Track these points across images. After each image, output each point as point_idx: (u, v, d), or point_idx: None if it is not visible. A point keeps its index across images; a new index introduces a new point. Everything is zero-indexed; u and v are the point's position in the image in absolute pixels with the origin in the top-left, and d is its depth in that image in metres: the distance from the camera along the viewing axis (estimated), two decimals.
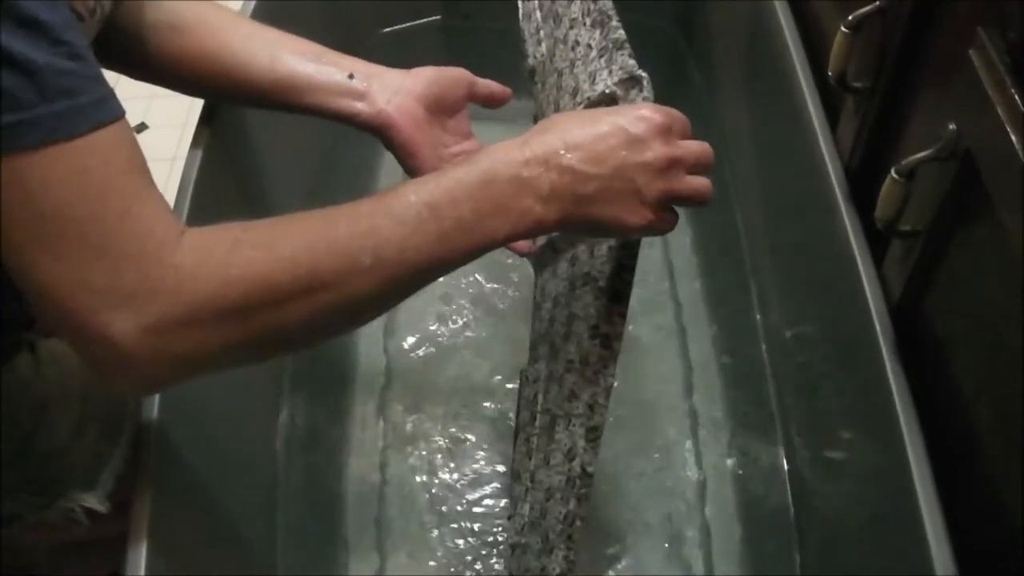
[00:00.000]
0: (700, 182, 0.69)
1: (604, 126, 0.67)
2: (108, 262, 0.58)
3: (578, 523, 0.76)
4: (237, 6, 1.11)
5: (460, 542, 1.16)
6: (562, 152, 0.66)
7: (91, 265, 0.57)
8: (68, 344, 0.61)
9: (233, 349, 0.62)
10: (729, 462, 1.19)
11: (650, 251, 1.42)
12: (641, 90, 0.72)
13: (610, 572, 1.12)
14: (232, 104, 0.97)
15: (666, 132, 0.68)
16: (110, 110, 0.59)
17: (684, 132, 0.70)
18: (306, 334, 0.66)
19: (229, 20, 0.91)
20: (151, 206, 0.60)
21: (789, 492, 1.08)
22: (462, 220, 0.64)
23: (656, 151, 0.67)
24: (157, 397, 0.84)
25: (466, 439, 1.24)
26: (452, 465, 1.22)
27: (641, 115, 0.68)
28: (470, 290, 1.40)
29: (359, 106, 0.89)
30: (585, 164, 0.66)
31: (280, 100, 0.90)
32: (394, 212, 0.64)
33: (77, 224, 0.57)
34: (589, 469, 0.75)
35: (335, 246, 0.62)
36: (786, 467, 1.10)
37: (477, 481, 1.21)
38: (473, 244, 0.65)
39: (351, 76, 0.90)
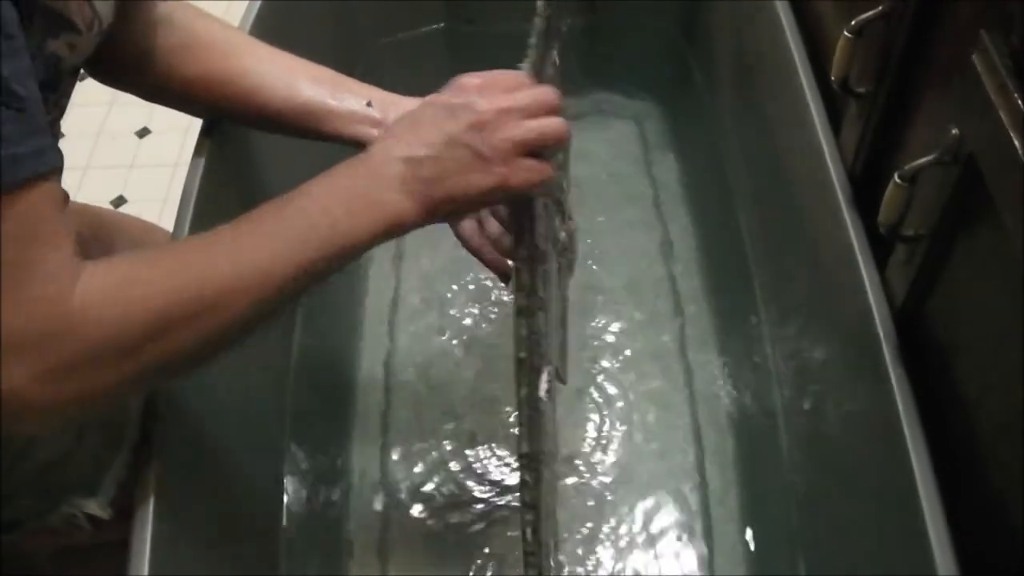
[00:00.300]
0: (545, 121, 0.71)
1: (424, 109, 0.72)
2: (14, 307, 0.57)
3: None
4: (240, 9, 1.11)
5: (464, 549, 1.16)
6: (396, 146, 0.70)
7: (2, 310, 0.57)
8: None
9: (126, 385, 0.64)
10: (733, 470, 1.19)
11: (651, 248, 1.42)
12: None
13: None
14: (242, 126, 0.97)
15: (485, 90, 0.71)
16: (47, 162, 0.59)
17: (511, 86, 0.72)
18: (197, 357, 0.67)
19: (245, 43, 0.92)
20: (62, 253, 0.60)
21: (792, 496, 1.08)
22: (322, 227, 0.68)
23: (478, 109, 0.70)
24: (160, 402, 0.84)
25: (472, 445, 1.25)
26: (457, 469, 1.22)
27: (457, 84, 0.73)
28: (470, 287, 1.41)
29: (376, 133, 0.89)
30: (417, 148, 0.70)
31: (297, 127, 0.90)
32: (265, 229, 0.67)
33: None
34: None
35: (216, 269, 0.65)
36: (790, 473, 1.10)
37: (481, 481, 1.21)
38: (341, 247, 0.69)
39: (368, 104, 0.90)
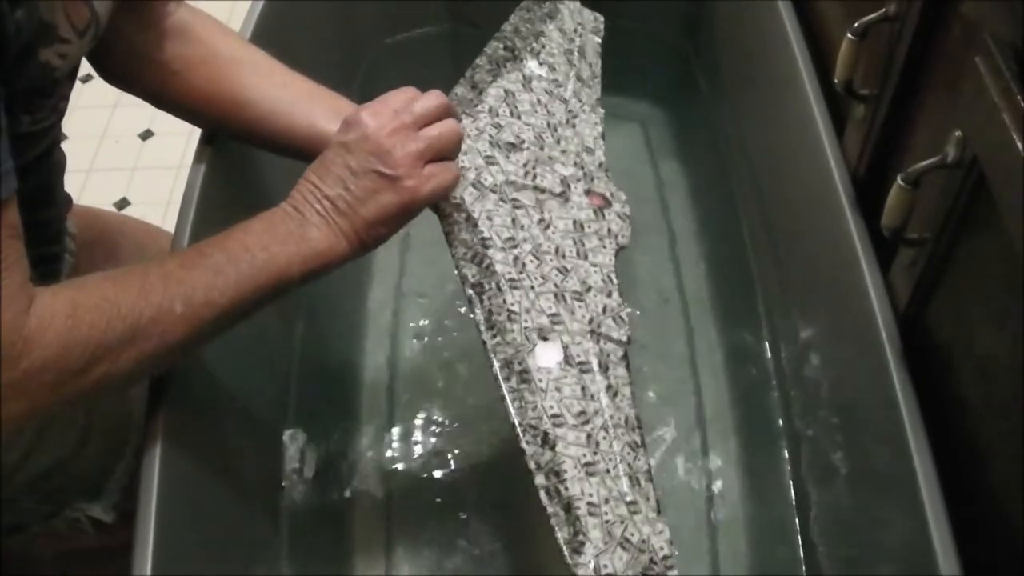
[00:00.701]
0: (437, 127, 0.78)
1: (328, 153, 0.78)
2: None
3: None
4: (243, 10, 1.11)
5: (467, 548, 1.16)
6: (311, 187, 0.77)
7: None
8: None
9: (65, 404, 0.67)
10: (735, 473, 1.19)
11: (656, 249, 1.42)
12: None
13: None
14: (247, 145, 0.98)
15: (375, 115, 0.77)
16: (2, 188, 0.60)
17: (400, 103, 0.79)
18: (133, 377, 0.72)
19: (265, 63, 0.92)
20: (14, 279, 0.63)
21: (794, 499, 1.08)
22: (255, 261, 0.73)
23: (372, 136, 0.76)
24: (162, 405, 0.84)
25: (475, 439, 1.24)
26: (461, 466, 1.22)
27: (347, 121, 0.79)
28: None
29: None
30: (327, 188, 0.76)
31: (306, 155, 0.91)
32: (199, 263, 0.72)
33: None
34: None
35: (152, 299, 0.68)
36: (791, 475, 1.10)
37: (485, 480, 1.21)
38: (270, 280, 0.74)
39: None
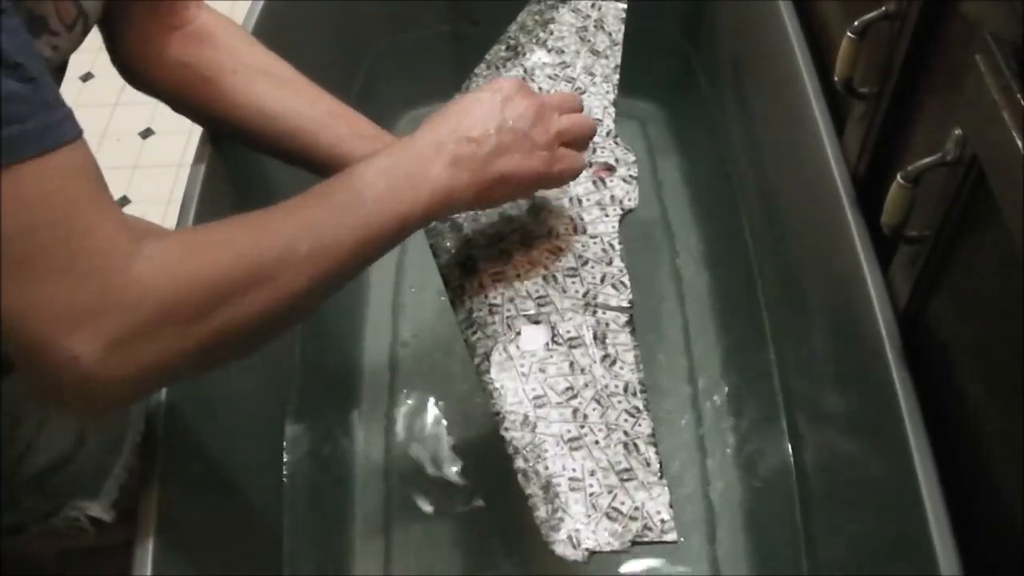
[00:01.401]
0: (575, 117, 0.81)
1: (477, 98, 0.78)
2: (72, 281, 0.57)
3: None
4: (243, 9, 1.11)
5: (469, 543, 1.16)
6: (453, 128, 0.76)
7: (55, 286, 0.57)
8: (26, 373, 0.61)
9: (192, 356, 0.63)
10: (736, 470, 1.19)
11: (656, 247, 1.42)
12: None
13: None
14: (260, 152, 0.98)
15: (524, 88, 0.79)
16: (63, 133, 0.58)
17: (536, 92, 0.81)
18: (263, 327, 0.67)
19: (292, 78, 0.92)
20: (110, 221, 0.60)
21: (796, 498, 1.08)
22: (381, 198, 0.71)
23: (526, 102, 0.78)
24: (163, 401, 0.84)
25: (476, 433, 1.24)
26: (463, 460, 1.22)
27: (499, 83, 0.79)
28: None
29: None
30: (475, 130, 0.75)
31: (323, 172, 0.91)
32: (322, 202, 0.70)
33: (40, 247, 0.56)
34: None
35: (276, 239, 0.66)
36: (793, 473, 1.10)
37: (487, 474, 1.21)
38: (397, 218, 0.72)
39: None
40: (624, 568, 1.13)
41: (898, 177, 0.78)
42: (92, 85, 2.04)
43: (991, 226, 0.70)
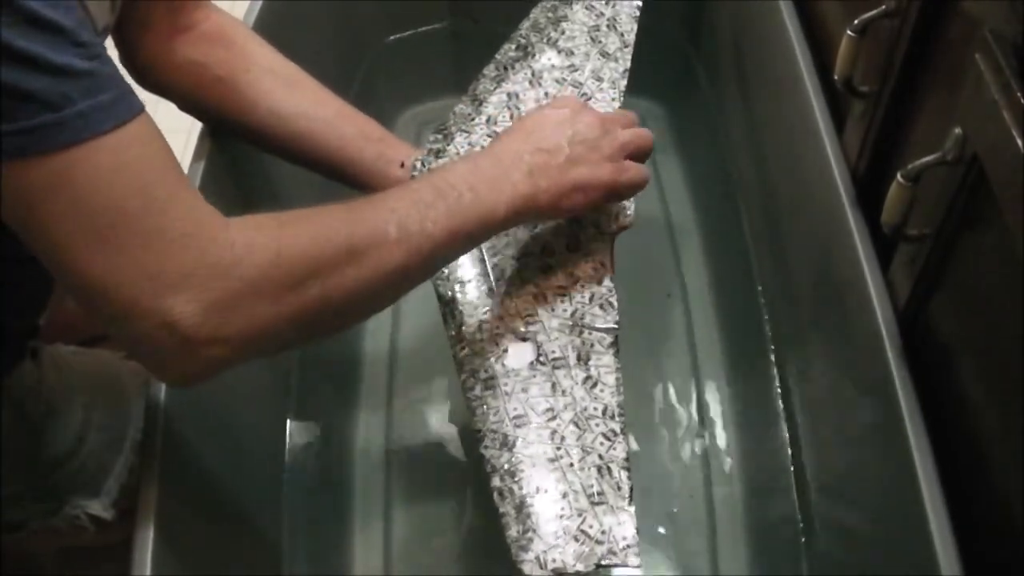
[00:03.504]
0: (637, 130, 0.84)
1: (545, 115, 0.81)
2: (164, 246, 0.59)
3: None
4: (242, 9, 1.11)
5: (469, 542, 1.16)
6: (527, 140, 0.78)
7: (148, 252, 0.58)
8: (123, 341, 0.62)
9: (287, 325, 0.65)
10: (734, 469, 1.19)
11: (656, 246, 1.42)
12: None
13: None
14: (266, 152, 0.98)
15: (586, 106, 0.83)
16: (131, 106, 0.60)
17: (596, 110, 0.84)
18: (354, 304, 0.69)
19: (301, 80, 0.94)
20: (190, 191, 0.63)
21: (795, 498, 1.07)
22: (462, 199, 0.73)
23: (589, 118, 0.81)
24: (162, 399, 0.84)
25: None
26: (463, 454, 1.22)
27: (563, 100, 0.84)
28: None
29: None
30: (548, 142, 0.78)
31: (330, 174, 0.94)
32: (408, 196, 0.71)
33: (128, 216, 0.58)
34: None
35: (365, 222, 0.68)
36: (793, 474, 1.09)
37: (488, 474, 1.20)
38: (480, 217, 0.73)
39: (402, 165, 0.93)
40: (623, 569, 1.12)
41: (898, 176, 0.78)
42: None
43: (991, 226, 0.70)
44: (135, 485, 0.81)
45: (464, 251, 0.77)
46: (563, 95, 0.87)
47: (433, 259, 0.73)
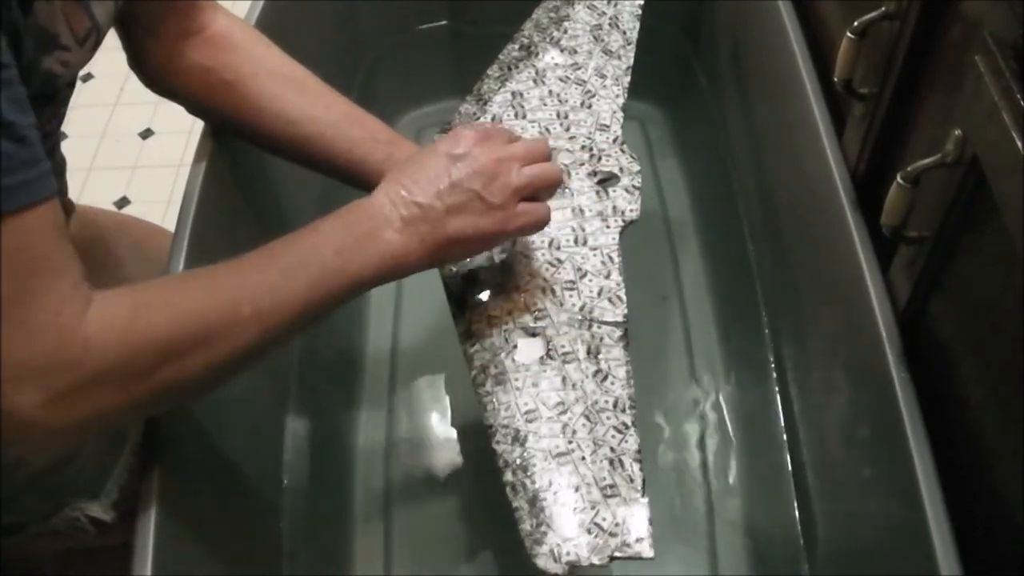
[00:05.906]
0: (540, 167, 0.79)
1: (430, 156, 0.78)
2: (23, 336, 0.58)
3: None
4: (242, 9, 1.11)
5: (470, 541, 1.16)
6: (402, 190, 0.75)
7: (7, 337, 0.58)
8: None
9: (132, 409, 0.65)
10: (735, 471, 1.19)
11: (656, 248, 1.42)
12: None
13: None
14: (274, 155, 0.99)
15: (485, 141, 0.78)
16: (40, 191, 0.59)
17: (506, 139, 0.79)
18: (203, 383, 0.70)
19: (309, 83, 0.93)
20: (69, 280, 0.61)
21: (795, 500, 1.08)
22: (327, 265, 0.71)
23: (481, 158, 0.76)
24: None
25: (477, 427, 1.24)
26: (464, 455, 1.22)
27: (458, 135, 0.78)
28: None
29: None
30: (420, 195, 0.75)
31: (339, 177, 0.93)
32: (268, 265, 0.70)
33: (3, 298, 0.57)
34: None
35: (219, 302, 0.67)
36: (792, 475, 1.10)
37: (488, 469, 1.20)
38: (343, 284, 0.72)
39: None
40: (623, 569, 1.13)
41: (898, 177, 0.78)
42: (92, 85, 2.04)
43: (991, 226, 0.70)
44: (135, 487, 0.81)
45: (330, 312, 0.74)
46: (465, 124, 0.81)
47: (290, 331, 0.72)
